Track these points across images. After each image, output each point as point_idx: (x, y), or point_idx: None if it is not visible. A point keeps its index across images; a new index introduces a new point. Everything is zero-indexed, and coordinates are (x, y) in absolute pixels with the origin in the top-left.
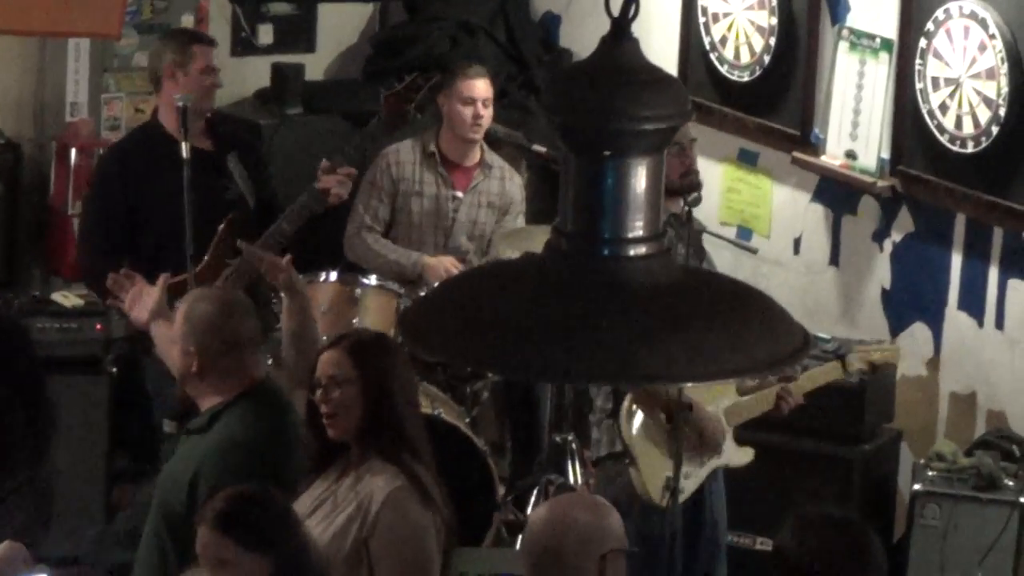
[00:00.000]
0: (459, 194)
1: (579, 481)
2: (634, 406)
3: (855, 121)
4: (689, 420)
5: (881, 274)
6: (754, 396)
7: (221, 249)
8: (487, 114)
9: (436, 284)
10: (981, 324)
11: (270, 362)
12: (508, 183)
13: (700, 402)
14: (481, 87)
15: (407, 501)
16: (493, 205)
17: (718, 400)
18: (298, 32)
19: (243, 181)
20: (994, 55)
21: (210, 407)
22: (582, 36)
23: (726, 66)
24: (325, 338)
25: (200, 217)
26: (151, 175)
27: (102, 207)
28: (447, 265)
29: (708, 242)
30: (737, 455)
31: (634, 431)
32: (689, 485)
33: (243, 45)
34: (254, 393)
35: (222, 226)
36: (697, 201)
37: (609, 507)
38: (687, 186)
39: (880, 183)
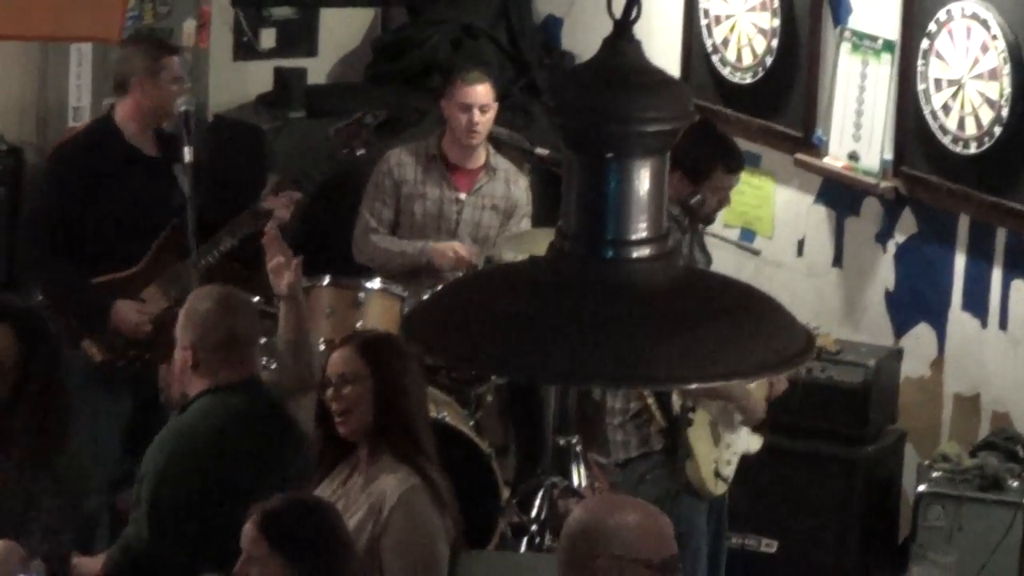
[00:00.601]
0: (462, 196)
1: (583, 484)
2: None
3: (857, 122)
4: (692, 424)
5: (884, 275)
6: (754, 384)
7: (162, 253)
8: (484, 120)
9: (445, 269)
10: (985, 325)
11: (273, 366)
12: (513, 186)
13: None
14: (479, 93)
15: (419, 502)
16: (497, 208)
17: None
18: (300, 36)
19: (186, 190)
20: (996, 56)
21: (186, 398)
22: (584, 39)
23: (728, 68)
24: (323, 341)
25: (144, 221)
26: (104, 176)
27: (54, 205)
28: (454, 247)
29: (710, 244)
30: (752, 441)
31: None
32: (727, 471)
33: (245, 49)
34: (234, 387)
35: (166, 231)
36: (710, 219)
37: (634, 510)
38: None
39: (883, 184)
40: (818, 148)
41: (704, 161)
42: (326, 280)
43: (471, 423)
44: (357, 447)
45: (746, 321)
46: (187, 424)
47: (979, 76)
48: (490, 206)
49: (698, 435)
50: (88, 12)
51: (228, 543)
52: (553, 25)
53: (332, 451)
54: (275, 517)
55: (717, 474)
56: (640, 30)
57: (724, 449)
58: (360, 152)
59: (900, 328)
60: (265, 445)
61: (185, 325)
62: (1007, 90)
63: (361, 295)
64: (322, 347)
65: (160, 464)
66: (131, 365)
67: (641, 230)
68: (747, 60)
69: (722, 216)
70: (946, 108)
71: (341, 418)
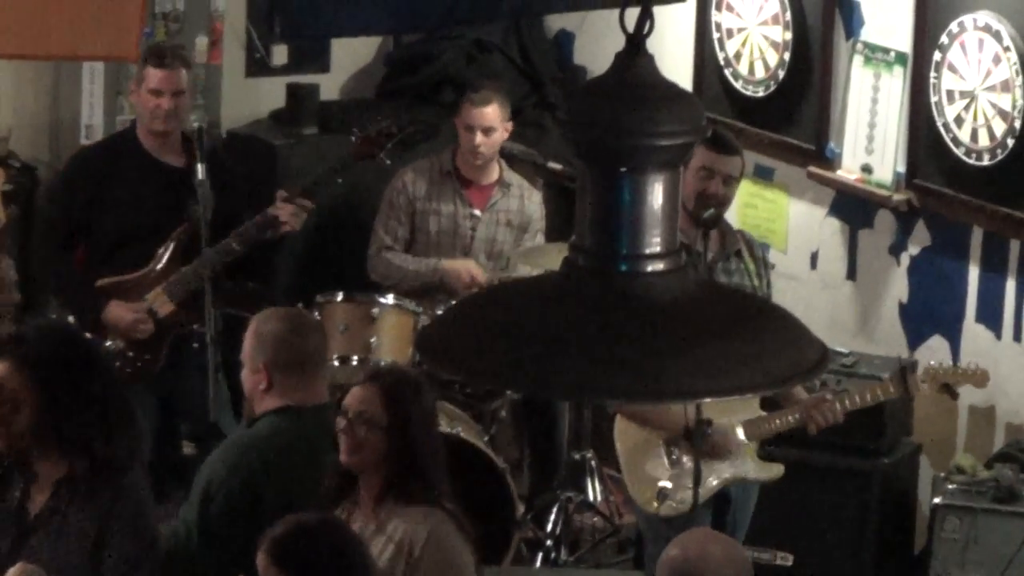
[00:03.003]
0: (477, 212)
1: (598, 498)
2: (623, 420)
3: (870, 135)
4: (708, 435)
5: (898, 288)
6: (778, 413)
7: (167, 258)
8: (487, 142)
9: (458, 288)
10: (999, 337)
11: None
12: (527, 201)
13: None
14: (484, 115)
15: (449, 535)
16: (512, 223)
17: (736, 413)
18: (312, 52)
19: (204, 199)
20: (1009, 67)
21: (252, 417)
22: (596, 53)
23: (741, 81)
24: (336, 357)
25: (154, 226)
26: (115, 180)
27: (62, 203)
28: (469, 267)
29: None
30: (758, 470)
31: (624, 443)
32: (686, 495)
33: (258, 66)
34: (304, 411)
35: (173, 237)
36: (713, 221)
37: (717, 543)
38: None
39: (896, 197)
40: (831, 161)
41: None
42: (340, 296)
43: (485, 438)
44: (358, 485)
45: (760, 334)
46: (252, 438)
47: (992, 88)
48: (504, 222)
49: (635, 457)
50: (105, 31)
51: None
52: (565, 40)
53: (339, 484)
54: (282, 542)
55: (660, 496)
56: (652, 44)
57: (683, 476)
58: (387, 163)
59: (914, 340)
60: (311, 471)
61: (256, 347)
62: (1020, 101)
63: (375, 311)
64: (336, 363)
65: (219, 474)
66: (136, 370)
67: (655, 244)
68: (759, 73)
69: None
70: (959, 120)
71: (349, 452)
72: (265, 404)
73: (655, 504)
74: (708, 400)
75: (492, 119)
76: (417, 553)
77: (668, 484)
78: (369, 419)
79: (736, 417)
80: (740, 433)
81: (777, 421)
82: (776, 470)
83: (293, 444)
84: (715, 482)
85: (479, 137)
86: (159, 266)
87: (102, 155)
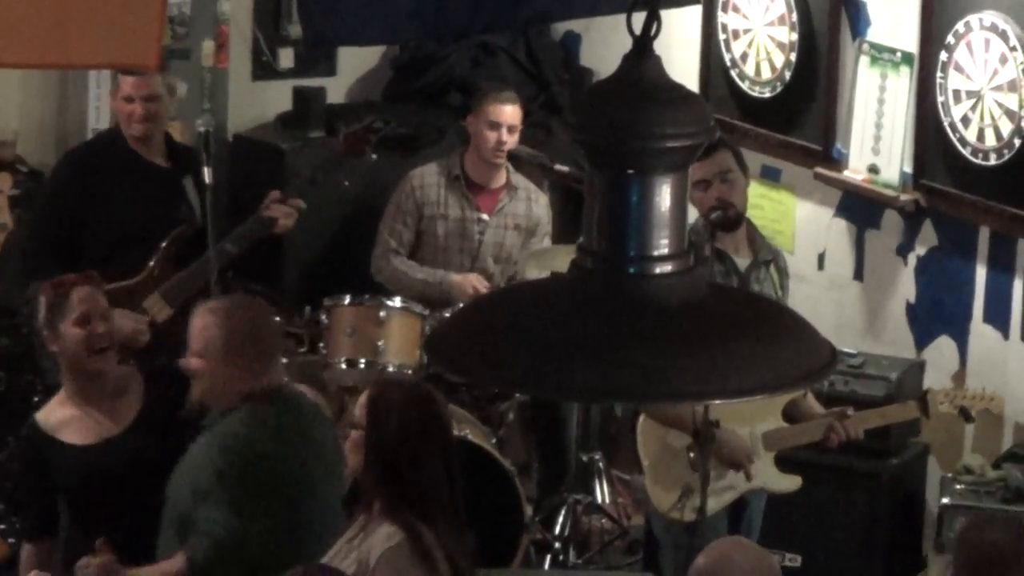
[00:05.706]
0: (485, 217)
1: (607, 500)
2: (648, 420)
3: (877, 135)
4: (716, 438)
5: (905, 288)
6: (800, 425)
7: (163, 263)
8: (511, 140)
9: (463, 303)
10: (1007, 336)
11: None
12: (534, 205)
13: (725, 423)
14: (508, 112)
15: (400, 561)
16: (520, 227)
17: (756, 424)
18: (319, 55)
19: (194, 203)
20: (1015, 67)
21: (224, 407)
22: (603, 55)
23: (747, 82)
24: (344, 360)
25: (145, 230)
26: (105, 181)
27: (52, 205)
28: (473, 282)
29: None
30: (777, 481)
31: (649, 444)
32: (710, 504)
33: (264, 69)
34: (265, 396)
35: (167, 241)
36: (721, 222)
37: (746, 553)
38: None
39: (903, 197)
40: (838, 162)
41: None
42: (347, 299)
43: (493, 440)
44: None
45: (769, 335)
46: (226, 434)
47: (998, 87)
48: (512, 226)
49: (660, 460)
50: (125, 39)
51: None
52: (572, 42)
53: (355, 492)
54: None
55: (682, 501)
56: (658, 45)
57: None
58: (373, 157)
59: (922, 340)
60: (307, 451)
61: (228, 337)
62: None
63: (382, 313)
64: (343, 366)
65: (204, 473)
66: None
67: (663, 246)
68: (766, 74)
69: None
70: (965, 120)
71: (346, 455)
72: (236, 393)
73: (677, 509)
74: (719, 403)
75: (515, 117)
76: (370, 571)
77: (690, 488)
78: (354, 423)
79: (755, 427)
80: (758, 443)
81: (798, 433)
82: (794, 482)
83: (283, 425)
84: (734, 492)
85: (504, 134)
86: (154, 272)
87: (90, 154)
